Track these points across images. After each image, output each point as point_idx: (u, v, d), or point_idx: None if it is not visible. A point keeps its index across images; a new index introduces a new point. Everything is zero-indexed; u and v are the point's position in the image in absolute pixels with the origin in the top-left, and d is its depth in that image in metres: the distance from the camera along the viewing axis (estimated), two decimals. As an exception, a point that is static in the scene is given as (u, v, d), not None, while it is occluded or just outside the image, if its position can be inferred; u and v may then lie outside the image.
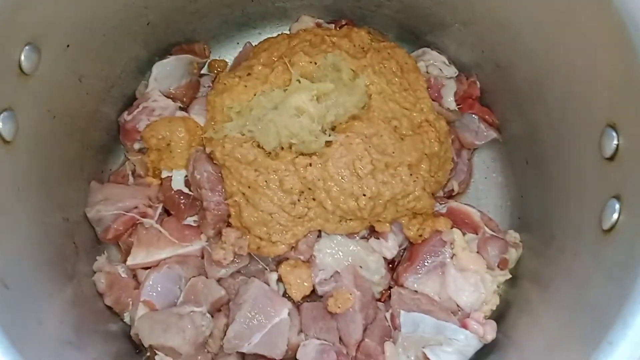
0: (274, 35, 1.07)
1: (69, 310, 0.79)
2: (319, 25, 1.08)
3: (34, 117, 0.77)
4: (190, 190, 0.97)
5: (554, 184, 0.87)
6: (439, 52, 1.05)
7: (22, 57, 0.71)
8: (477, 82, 1.04)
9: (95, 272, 0.94)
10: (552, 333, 0.77)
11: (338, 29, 1.06)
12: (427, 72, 1.04)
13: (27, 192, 0.76)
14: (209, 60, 1.11)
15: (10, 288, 0.63)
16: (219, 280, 0.94)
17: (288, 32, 1.10)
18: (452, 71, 1.04)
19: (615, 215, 0.67)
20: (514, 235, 0.98)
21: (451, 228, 0.95)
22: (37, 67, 0.74)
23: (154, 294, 0.92)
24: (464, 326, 0.88)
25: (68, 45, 0.80)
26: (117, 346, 0.91)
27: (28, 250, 0.74)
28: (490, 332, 0.87)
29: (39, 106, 0.78)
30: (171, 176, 0.98)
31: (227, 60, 1.13)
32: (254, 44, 1.07)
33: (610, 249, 0.67)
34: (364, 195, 0.88)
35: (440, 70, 1.04)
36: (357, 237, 0.95)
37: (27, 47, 0.72)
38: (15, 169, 0.73)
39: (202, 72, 1.11)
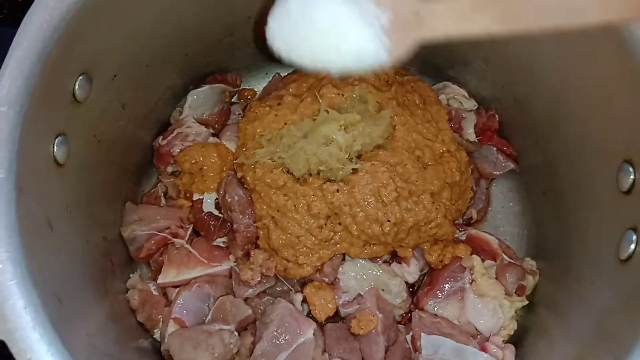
0: (302, 67, 1.13)
1: (109, 324, 0.83)
2: (345, 58, 1.13)
3: (82, 141, 0.82)
4: (220, 213, 1.02)
5: (571, 214, 0.91)
6: (459, 86, 1.10)
7: (77, 86, 0.76)
8: (496, 115, 1.08)
9: (128, 290, 0.98)
10: (570, 359, 0.80)
11: (363, 62, 1.11)
12: (448, 105, 1.09)
13: (75, 212, 0.81)
14: (239, 89, 1.17)
15: (63, 302, 0.67)
16: (245, 300, 0.98)
17: (315, 64, 1.15)
18: (471, 104, 1.09)
19: (633, 246, 0.70)
20: (530, 263, 1.01)
21: (470, 255, 0.99)
22: (89, 96, 0.80)
23: (185, 311, 0.96)
24: (484, 350, 0.91)
25: (115, 75, 0.86)
26: (148, 361, 0.94)
27: (75, 268, 0.78)
28: (509, 356, 0.91)
29: (87, 132, 0.83)
30: (202, 199, 1.03)
31: (255, 89, 1.19)
32: (282, 75, 1.13)
33: (628, 278, 0.70)
34: (389, 221, 0.92)
35: (461, 103, 1.09)
36: (380, 261, 0.99)
37: (81, 77, 0.77)
38: (66, 190, 0.78)
39: (233, 100, 1.17)
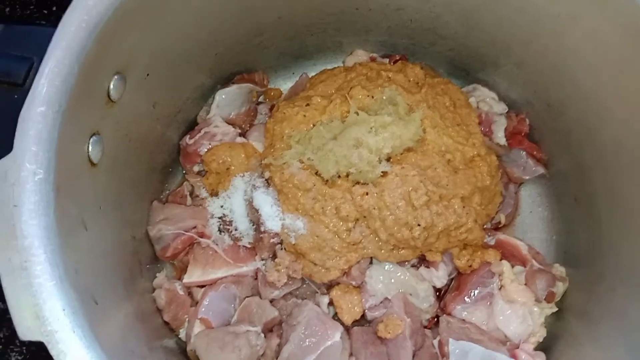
0: (328, 66, 1.12)
1: (137, 324, 0.82)
2: (373, 59, 1.12)
3: (115, 141, 0.81)
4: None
5: (604, 222, 0.90)
6: (489, 89, 1.09)
7: (112, 86, 0.76)
8: (527, 119, 1.07)
9: (154, 289, 0.98)
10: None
11: (392, 63, 1.10)
12: (478, 108, 1.07)
13: (106, 211, 0.80)
14: (266, 89, 1.16)
15: (99, 303, 0.67)
16: (271, 301, 0.97)
17: (342, 64, 1.14)
18: (502, 107, 1.08)
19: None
20: (559, 270, 1.00)
21: (500, 260, 0.97)
22: (122, 95, 0.79)
23: (211, 312, 0.95)
24: (514, 357, 0.90)
25: (148, 75, 0.86)
26: (174, 361, 0.94)
27: (106, 267, 0.78)
28: (539, 364, 0.90)
29: (119, 131, 0.83)
30: (229, 199, 1.02)
31: (282, 89, 1.18)
32: (309, 75, 1.12)
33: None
34: (419, 225, 0.91)
35: (491, 106, 1.07)
36: (408, 265, 0.98)
37: (116, 77, 0.77)
38: (98, 189, 0.78)
39: (259, 100, 1.16)
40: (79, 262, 0.67)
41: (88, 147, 0.74)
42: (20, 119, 0.64)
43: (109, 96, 0.77)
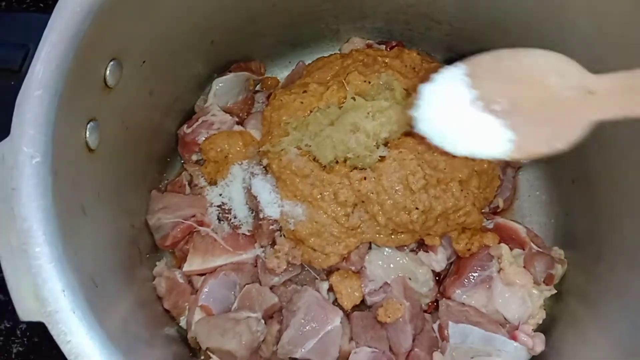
0: (325, 54, 1.11)
1: (138, 311, 0.83)
2: (369, 46, 1.12)
3: (112, 128, 0.81)
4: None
5: (603, 202, 0.90)
6: (485, 74, 1.09)
7: (108, 72, 0.76)
8: (524, 103, 1.07)
9: (155, 277, 0.98)
10: (603, 350, 0.79)
11: (389, 49, 1.10)
12: (475, 93, 1.07)
13: (104, 198, 0.80)
14: (262, 78, 1.16)
15: (98, 286, 0.67)
16: (271, 288, 0.98)
17: (339, 52, 1.15)
18: (498, 92, 1.08)
19: (672, 233, 0.69)
20: (558, 252, 1.00)
21: (498, 243, 0.98)
22: (118, 82, 0.79)
23: (211, 299, 0.96)
24: (513, 338, 0.90)
25: (144, 62, 0.85)
26: (174, 349, 0.94)
27: (106, 253, 0.78)
28: (539, 344, 0.90)
29: (116, 118, 0.83)
30: (227, 187, 1.03)
31: (278, 78, 1.18)
32: (306, 63, 1.12)
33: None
34: (417, 209, 0.91)
35: (488, 91, 1.07)
36: (407, 250, 0.98)
37: (112, 62, 0.77)
38: (96, 176, 0.78)
39: (256, 88, 1.16)
40: (78, 245, 0.67)
41: (86, 132, 0.74)
42: (17, 103, 0.64)
43: (105, 82, 0.76)
